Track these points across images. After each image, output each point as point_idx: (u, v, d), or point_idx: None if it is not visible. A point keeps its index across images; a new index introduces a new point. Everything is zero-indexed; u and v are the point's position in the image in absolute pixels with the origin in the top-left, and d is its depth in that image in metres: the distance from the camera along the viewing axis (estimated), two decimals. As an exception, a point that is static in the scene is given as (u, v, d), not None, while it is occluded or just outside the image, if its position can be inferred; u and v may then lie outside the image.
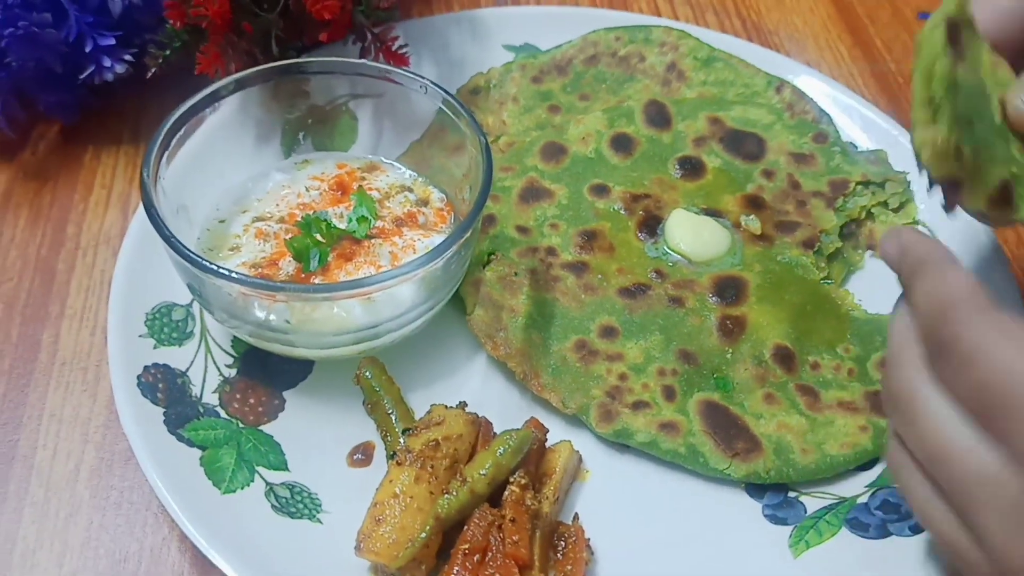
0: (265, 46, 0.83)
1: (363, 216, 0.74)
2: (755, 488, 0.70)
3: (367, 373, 0.70)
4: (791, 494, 0.70)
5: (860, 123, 0.91)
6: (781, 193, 0.86)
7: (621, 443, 0.71)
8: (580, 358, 0.74)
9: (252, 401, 0.71)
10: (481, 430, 0.68)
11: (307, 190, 0.78)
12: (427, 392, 0.73)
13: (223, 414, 0.70)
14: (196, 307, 0.75)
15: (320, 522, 0.66)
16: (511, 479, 0.64)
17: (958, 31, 0.57)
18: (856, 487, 0.70)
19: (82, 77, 0.86)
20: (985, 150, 0.57)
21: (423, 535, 0.61)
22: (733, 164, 0.87)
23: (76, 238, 0.84)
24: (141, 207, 0.70)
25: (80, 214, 0.86)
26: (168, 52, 0.84)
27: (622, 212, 0.83)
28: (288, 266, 0.72)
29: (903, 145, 0.86)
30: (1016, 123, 0.56)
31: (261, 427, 0.70)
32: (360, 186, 0.78)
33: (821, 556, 0.66)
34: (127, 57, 0.86)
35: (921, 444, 0.54)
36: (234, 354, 0.74)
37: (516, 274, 0.78)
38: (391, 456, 0.67)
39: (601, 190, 0.85)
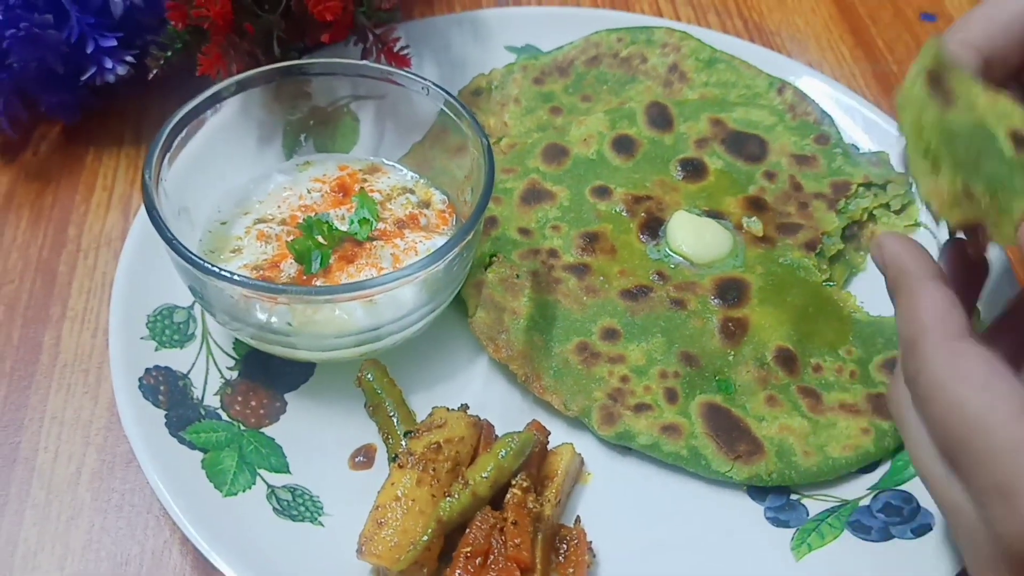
0: (267, 47, 0.83)
1: (365, 218, 0.73)
2: (757, 491, 0.70)
3: (369, 375, 0.70)
4: (793, 497, 0.69)
5: (862, 124, 0.91)
6: (783, 195, 0.86)
7: (623, 445, 0.71)
8: (582, 360, 0.74)
9: (254, 403, 0.71)
10: (483, 433, 0.68)
11: (309, 192, 0.78)
12: (429, 394, 0.73)
13: (224, 416, 0.70)
14: (197, 309, 0.75)
15: (322, 525, 0.66)
16: (513, 482, 0.64)
17: (940, 79, 0.57)
18: (858, 490, 0.70)
19: (84, 78, 0.86)
20: (1001, 185, 0.56)
21: (425, 538, 0.60)
22: (735, 166, 0.87)
23: (77, 240, 0.84)
24: (143, 209, 0.70)
25: (81, 215, 0.86)
26: (170, 53, 0.84)
27: (624, 214, 0.83)
28: (290, 268, 0.71)
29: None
30: None
31: (263, 429, 0.70)
32: (362, 188, 0.78)
33: (823, 559, 0.66)
34: (128, 58, 0.86)
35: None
36: (235, 356, 0.74)
37: (518, 276, 0.78)
38: (393, 459, 0.67)
39: (603, 192, 0.85)
